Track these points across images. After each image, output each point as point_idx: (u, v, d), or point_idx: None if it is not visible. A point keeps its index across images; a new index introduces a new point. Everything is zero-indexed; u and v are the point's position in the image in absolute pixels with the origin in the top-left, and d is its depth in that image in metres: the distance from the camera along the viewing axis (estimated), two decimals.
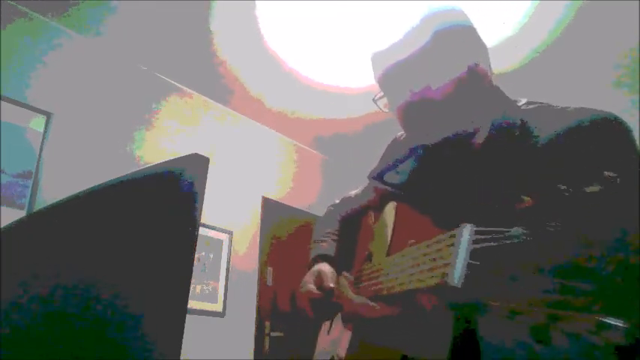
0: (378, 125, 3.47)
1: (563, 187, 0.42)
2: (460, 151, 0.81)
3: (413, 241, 0.70)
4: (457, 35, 0.79)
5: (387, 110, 0.86)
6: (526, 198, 0.44)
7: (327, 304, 1.00)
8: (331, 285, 0.97)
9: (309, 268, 1.08)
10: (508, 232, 0.45)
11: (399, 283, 0.64)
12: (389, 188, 0.93)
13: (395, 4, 2.46)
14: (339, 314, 1.03)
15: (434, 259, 0.55)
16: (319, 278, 1.01)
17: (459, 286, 0.47)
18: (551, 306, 0.39)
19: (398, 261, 0.68)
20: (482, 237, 0.47)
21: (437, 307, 0.61)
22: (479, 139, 0.79)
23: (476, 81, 0.78)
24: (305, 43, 2.89)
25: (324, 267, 1.04)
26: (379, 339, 0.72)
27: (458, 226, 0.52)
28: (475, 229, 0.48)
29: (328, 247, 1.11)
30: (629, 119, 0.72)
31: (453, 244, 0.51)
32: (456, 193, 0.78)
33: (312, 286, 1.01)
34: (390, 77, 0.82)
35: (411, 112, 0.79)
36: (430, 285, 0.54)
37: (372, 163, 1.08)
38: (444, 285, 0.49)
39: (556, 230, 0.40)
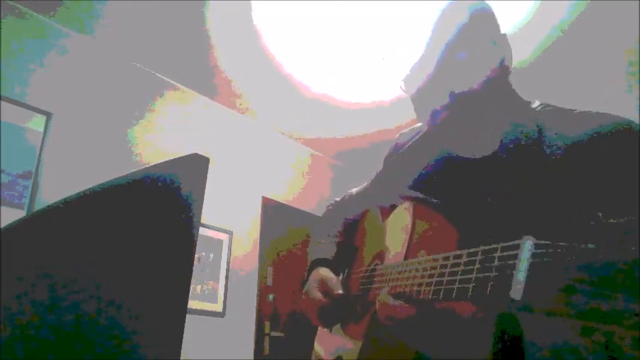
0: (381, 128, 3.48)
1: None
2: (478, 154, 0.79)
3: (423, 251, 0.69)
4: (487, 21, 0.79)
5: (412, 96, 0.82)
6: (600, 214, 0.42)
7: (332, 311, 0.99)
8: (340, 292, 0.97)
9: (308, 272, 1.07)
10: (579, 246, 0.42)
11: (441, 289, 0.61)
12: (416, 194, 0.89)
13: (397, 5, 2.46)
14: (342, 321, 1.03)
15: (484, 269, 0.53)
16: (323, 285, 1.00)
17: (520, 299, 0.46)
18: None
19: (429, 265, 0.65)
20: (546, 251, 0.46)
21: (474, 313, 0.60)
22: (494, 143, 0.77)
23: (504, 82, 0.77)
24: (304, 46, 2.89)
25: (327, 273, 1.03)
26: (410, 342, 0.69)
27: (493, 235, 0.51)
28: (536, 242, 0.47)
29: (327, 249, 1.10)
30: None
31: (505, 255, 0.50)
32: (476, 197, 0.75)
33: (318, 294, 0.99)
34: (428, 82, 0.77)
35: (451, 115, 0.76)
36: (482, 294, 0.52)
37: (374, 163, 1.08)
38: (502, 296, 0.48)
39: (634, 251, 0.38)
